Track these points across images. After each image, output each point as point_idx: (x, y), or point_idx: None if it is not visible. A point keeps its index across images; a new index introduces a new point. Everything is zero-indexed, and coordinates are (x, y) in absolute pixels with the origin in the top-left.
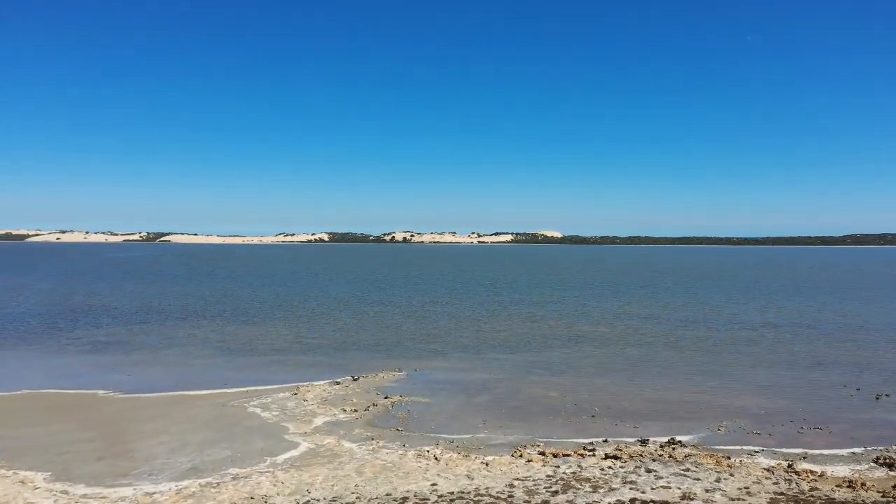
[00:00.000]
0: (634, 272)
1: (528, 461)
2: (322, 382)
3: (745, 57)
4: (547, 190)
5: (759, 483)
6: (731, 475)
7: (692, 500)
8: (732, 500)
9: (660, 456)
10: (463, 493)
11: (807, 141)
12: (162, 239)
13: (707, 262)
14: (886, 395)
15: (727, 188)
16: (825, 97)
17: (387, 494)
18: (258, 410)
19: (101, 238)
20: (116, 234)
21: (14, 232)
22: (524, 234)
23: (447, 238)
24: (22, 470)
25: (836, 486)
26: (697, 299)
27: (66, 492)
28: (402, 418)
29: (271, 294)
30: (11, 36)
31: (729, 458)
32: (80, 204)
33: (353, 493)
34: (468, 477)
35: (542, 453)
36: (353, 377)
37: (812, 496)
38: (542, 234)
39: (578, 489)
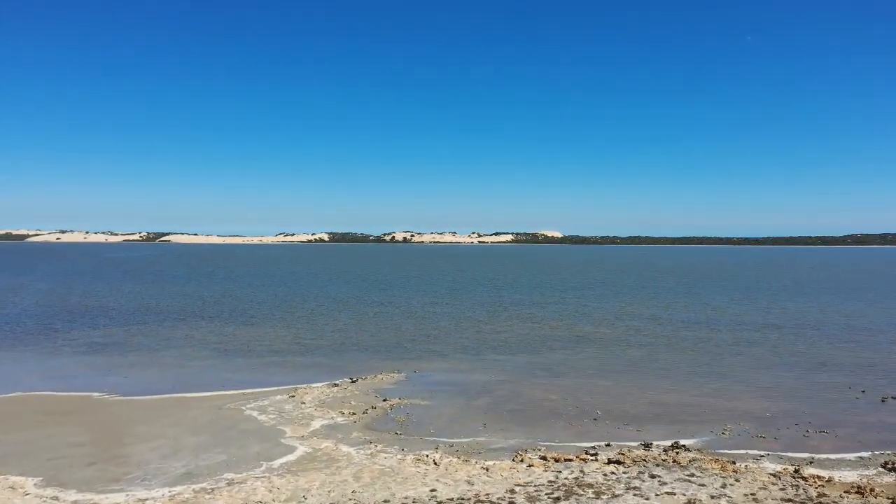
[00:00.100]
0: (635, 272)
1: (530, 466)
2: (320, 384)
3: (745, 57)
4: (547, 190)
5: (765, 489)
6: (737, 481)
7: None
8: None
9: (663, 461)
10: (463, 499)
11: (807, 141)
12: (162, 239)
13: (707, 262)
14: (893, 398)
15: (727, 188)
16: (825, 97)
17: (385, 501)
18: (255, 413)
19: (101, 238)
20: (116, 234)
21: (14, 232)
22: (524, 234)
23: (447, 238)
24: (12, 475)
25: (845, 492)
26: (699, 300)
27: (56, 498)
28: (401, 421)
29: (270, 294)
30: (11, 36)
31: (734, 462)
32: (80, 204)
33: (350, 499)
34: (468, 482)
35: (544, 458)
36: (351, 379)
37: (820, 503)
38: (543, 234)
39: (581, 495)
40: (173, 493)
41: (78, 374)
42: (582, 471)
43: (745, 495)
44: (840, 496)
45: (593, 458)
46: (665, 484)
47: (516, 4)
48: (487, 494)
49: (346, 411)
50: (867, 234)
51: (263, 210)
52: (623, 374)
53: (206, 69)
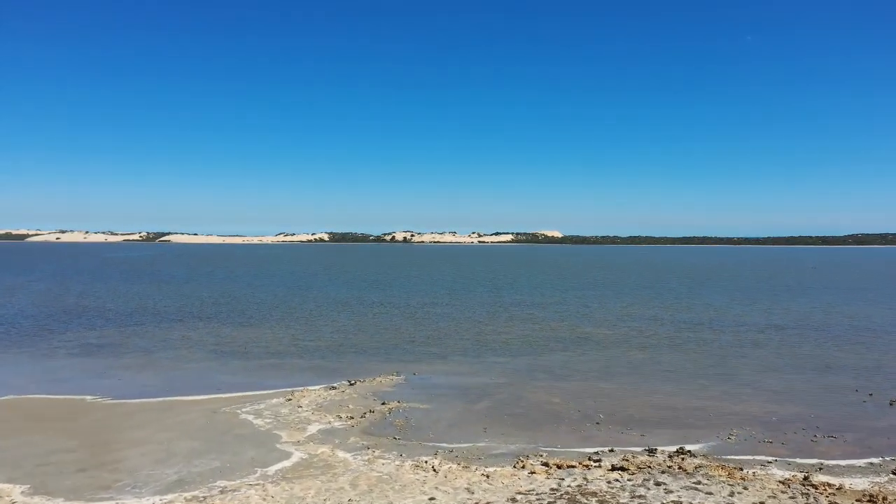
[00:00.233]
0: (635, 272)
1: (531, 473)
2: (318, 387)
3: (745, 57)
4: (547, 190)
5: (774, 498)
6: (745, 489)
7: None
8: None
9: (669, 467)
10: None
11: (807, 141)
12: (162, 239)
13: (708, 262)
14: None
15: (727, 188)
16: (825, 97)
17: None
18: (250, 417)
19: (100, 238)
20: (116, 234)
21: (14, 232)
22: (524, 234)
23: (447, 238)
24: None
25: (857, 500)
26: (701, 300)
27: None
28: (400, 426)
29: (269, 295)
30: (11, 36)
31: (741, 469)
32: (79, 204)
33: None
34: (468, 490)
35: (546, 464)
36: (349, 382)
37: None
38: (543, 234)
39: None
40: (164, 501)
41: (71, 377)
42: (585, 478)
43: None
44: None
45: (597, 464)
46: (671, 492)
47: (516, 4)
48: (488, 503)
49: (343, 415)
50: (868, 234)
51: (263, 210)
52: (625, 376)
53: (206, 69)
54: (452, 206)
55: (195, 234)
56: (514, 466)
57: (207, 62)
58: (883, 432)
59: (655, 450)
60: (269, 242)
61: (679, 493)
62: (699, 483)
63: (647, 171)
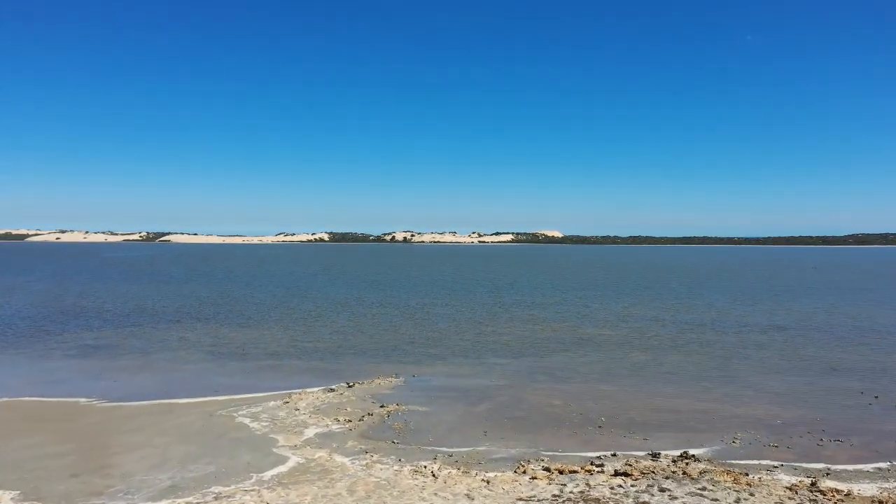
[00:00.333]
0: (636, 272)
1: (533, 478)
2: (315, 389)
3: (745, 57)
4: (547, 190)
5: None
6: (752, 495)
7: None
8: None
9: (673, 472)
10: None
11: (807, 141)
12: (162, 239)
13: (708, 262)
14: None
15: (727, 188)
16: (825, 97)
17: None
18: (247, 420)
19: (100, 238)
20: (116, 234)
21: (14, 232)
22: (524, 233)
23: (447, 238)
24: None
25: None
26: (703, 300)
27: None
28: (399, 429)
29: (268, 295)
30: (12, 36)
31: (747, 474)
32: (79, 204)
33: None
34: (468, 496)
35: (547, 469)
36: (347, 384)
37: None
38: (543, 234)
39: None
40: None
41: (67, 379)
42: (588, 483)
43: None
44: None
45: (599, 469)
46: (676, 499)
47: (516, 4)
48: None
49: (341, 418)
50: (868, 234)
51: (263, 210)
52: (627, 378)
53: (206, 69)
54: (452, 206)
55: (195, 234)
56: (515, 472)
57: (207, 62)
58: (890, 436)
59: (659, 454)
60: (269, 242)
61: (684, 500)
62: (704, 489)
63: (647, 171)
